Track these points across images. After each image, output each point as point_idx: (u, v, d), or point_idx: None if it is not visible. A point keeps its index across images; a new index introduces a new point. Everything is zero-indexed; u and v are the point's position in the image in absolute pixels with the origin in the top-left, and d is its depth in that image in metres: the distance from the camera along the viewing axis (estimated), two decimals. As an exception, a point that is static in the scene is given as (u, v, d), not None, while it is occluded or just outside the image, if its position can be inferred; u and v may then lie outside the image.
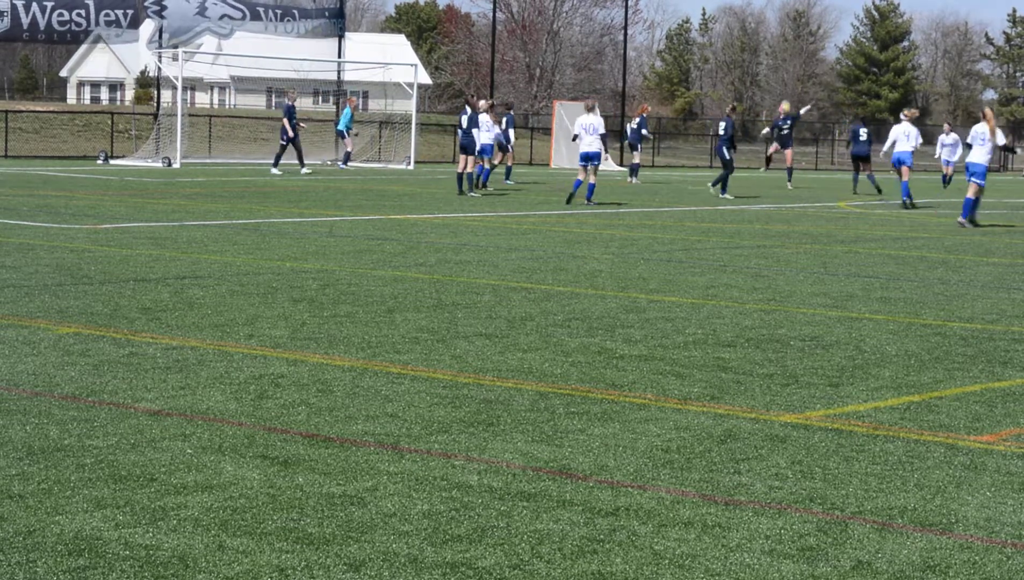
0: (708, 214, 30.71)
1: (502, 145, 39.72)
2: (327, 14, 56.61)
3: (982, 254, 22.61)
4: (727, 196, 37.58)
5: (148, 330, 12.05)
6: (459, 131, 35.75)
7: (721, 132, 38.66)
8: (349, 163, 50.32)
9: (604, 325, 13.20)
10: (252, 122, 68.61)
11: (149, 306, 13.47)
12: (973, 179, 28.12)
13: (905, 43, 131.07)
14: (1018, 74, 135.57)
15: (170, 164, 46.99)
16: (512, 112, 44.70)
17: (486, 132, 36.62)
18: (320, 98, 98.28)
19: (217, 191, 33.63)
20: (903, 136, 35.36)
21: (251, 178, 40.73)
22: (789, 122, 43.93)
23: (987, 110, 29.38)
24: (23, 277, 15.34)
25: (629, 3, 76.01)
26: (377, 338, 11.98)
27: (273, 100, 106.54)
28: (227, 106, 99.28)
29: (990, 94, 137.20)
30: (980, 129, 28.47)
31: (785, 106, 45.09)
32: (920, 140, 36.06)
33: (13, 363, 10.37)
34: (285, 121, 43.24)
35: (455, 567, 6.14)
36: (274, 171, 43.02)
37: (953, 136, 46.77)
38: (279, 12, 55.08)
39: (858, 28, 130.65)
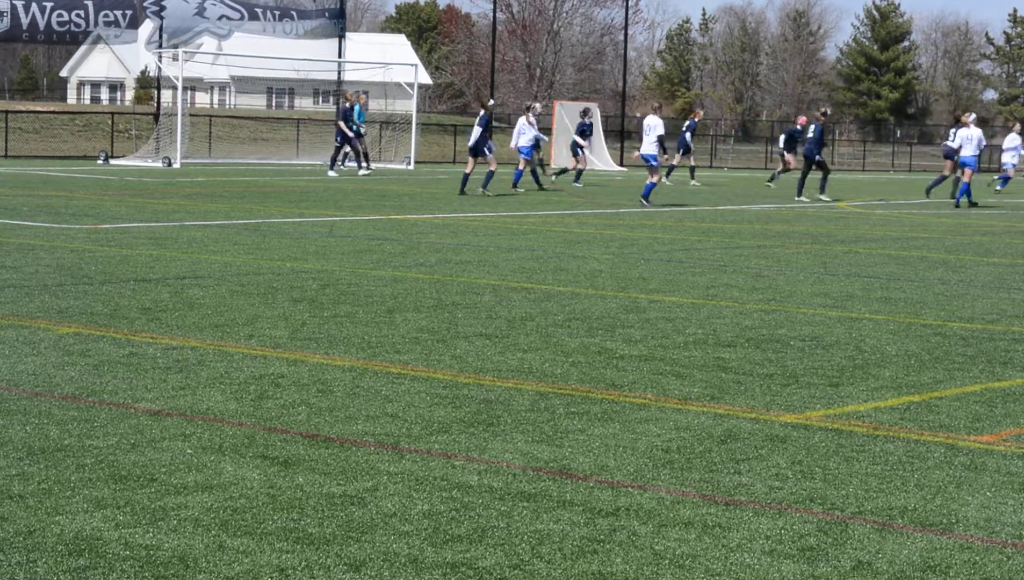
0: (708, 214, 30.71)
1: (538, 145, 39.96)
2: (327, 14, 56.62)
3: (982, 254, 22.61)
4: (824, 197, 37.91)
5: (148, 330, 12.05)
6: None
7: (810, 135, 38.67)
8: (365, 164, 48.00)
9: (604, 325, 13.20)
10: (252, 122, 68.64)
11: (149, 306, 13.47)
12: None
13: (905, 43, 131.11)
14: (1018, 74, 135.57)
15: (170, 164, 46.98)
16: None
17: (523, 134, 37.68)
18: (320, 98, 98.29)
19: (217, 191, 33.63)
20: (967, 140, 36.47)
21: (252, 178, 40.73)
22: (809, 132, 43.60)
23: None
24: (23, 277, 15.34)
25: (629, 3, 75.97)
26: (377, 338, 11.98)
27: (274, 100, 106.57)
28: (227, 106, 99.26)
29: (990, 94, 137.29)
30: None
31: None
32: (984, 142, 37.19)
33: (13, 363, 10.37)
34: (341, 123, 43.23)
35: (455, 567, 6.14)
36: (331, 173, 43.05)
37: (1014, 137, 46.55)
38: (278, 13, 55.10)
39: (858, 28, 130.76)
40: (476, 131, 35.07)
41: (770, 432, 8.95)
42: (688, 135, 46.95)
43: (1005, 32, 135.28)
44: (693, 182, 45.85)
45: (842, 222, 30.28)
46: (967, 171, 36.48)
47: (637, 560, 6.33)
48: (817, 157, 37.95)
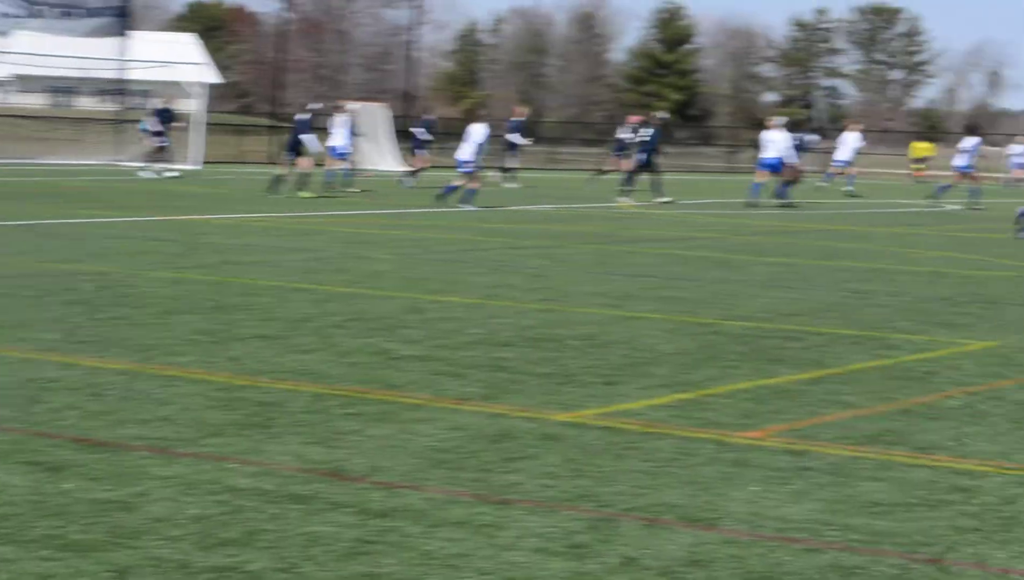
0: (493, 215, 30.85)
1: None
2: (111, 12, 55.68)
3: (759, 254, 23.06)
4: (665, 198, 38.28)
5: (-85, 334, 11.75)
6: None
7: (648, 139, 38.71)
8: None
9: (384, 326, 13.20)
10: (33, 121, 67.22)
11: (-82, 310, 13.13)
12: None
13: (691, 45, 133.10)
14: (796, 76, 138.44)
15: (-56, 164, 45.81)
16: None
17: (336, 134, 37.89)
18: (104, 97, 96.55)
19: (-5, 191, 32.87)
20: (771, 143, 38.87)
21: (31, 178, 39.86)
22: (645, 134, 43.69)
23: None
24: None
25: (418, 3, 75.96)
26: (153, 340, 11.83)
27: (56, 99, 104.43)
28: (8, 104, 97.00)
29: (770, 96, 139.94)
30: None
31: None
32: (793, 144, 40.11)
33: None
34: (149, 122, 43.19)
35: (224, 572, 6.10)
36: (147, 174, 42.67)
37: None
38: (60, 10, 54.04)
39: (645, 30, 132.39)
40: (308, 134, 34.94)
41: (544, 431, 9.03)
42: (515, 136, 46.83)
43: (787, 36, 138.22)
44: (508, 184, 45.83)
45: (624, 222, 30.64)
46: (761, 173, 37.98)
47: (407, 561, 6.35)
48: (645, 160, 38.27)
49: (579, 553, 6.54)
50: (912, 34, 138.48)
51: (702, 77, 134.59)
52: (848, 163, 49.35)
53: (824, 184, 50.43)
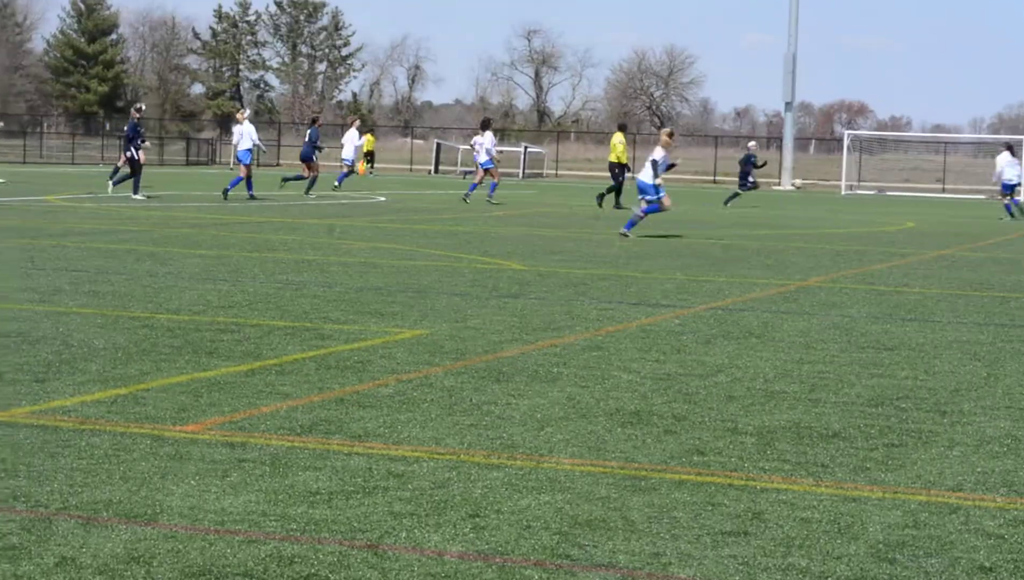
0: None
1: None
2: None
3: (190, 246, 22.93)
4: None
5: None
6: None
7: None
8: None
9: None
10: None
11: None
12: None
13: (113, 36, 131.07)
14: (224, 69, 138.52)
15: None
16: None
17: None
18: None
19: None
20: (243, 136, 40.62)
21: None
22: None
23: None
24: None
25: None
26: None
27: None
28: None
29: (198, 88, 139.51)
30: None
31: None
32: (253, 137, 40.95)
33: None
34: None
35: None
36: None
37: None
38: None
39: (65, 20, 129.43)
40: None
41: (-28, 432, 8.70)
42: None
43: (211, 27, 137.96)
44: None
45: (51, 216, 29.88)
46: (243, 166, 40.03)
47: None
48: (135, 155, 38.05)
49: (13, 555, 6.33)
50: (336, 28, 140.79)
51: (127, 68, 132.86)
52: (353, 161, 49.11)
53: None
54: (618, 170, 43.17)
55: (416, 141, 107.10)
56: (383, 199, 40.96)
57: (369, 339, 13.29)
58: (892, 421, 10.15)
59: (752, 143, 51.71)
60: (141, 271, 18.62)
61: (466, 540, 6.84)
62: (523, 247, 25.57)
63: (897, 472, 8.57)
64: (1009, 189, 47.71)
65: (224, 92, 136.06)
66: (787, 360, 12.86)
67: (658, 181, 29.18)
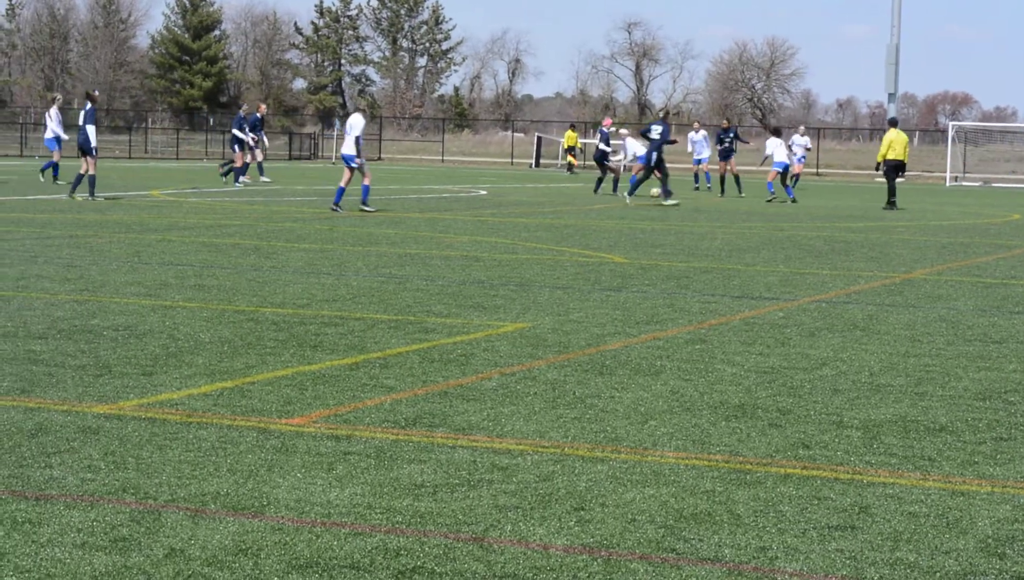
0: (19, 205, 29.91)
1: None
2: None
3: (293, 240, 23.08)
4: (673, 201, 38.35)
5: None
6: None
7: (656, 136, 37.95)
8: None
9: (-94, 320, 12.62)
10: None
11: None
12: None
13: (217, 32, 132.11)
14: (326, 64, 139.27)
15: None
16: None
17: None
18: None
19: None
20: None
21: None
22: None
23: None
24: None
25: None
26: None
27: None
28: None
29: (300, 83, 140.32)
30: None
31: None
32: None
33: None
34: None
35: None
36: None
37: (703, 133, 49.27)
38: None
39: (170, 17, 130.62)
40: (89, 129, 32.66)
41: (83, 424, 8.81)
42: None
43: (313, 23, 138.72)
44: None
45: (156, 210, 30.18)
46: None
47: (-58, 563, 6.09)
48: (654, 159, 38.80)
49: (123, 546, 6.40)
50: (436, 22, 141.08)
51: (230, 64, 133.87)
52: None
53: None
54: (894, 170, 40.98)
55: (517, 135, 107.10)
56: (484, 193, 41.03)
57: (472, 332, 13.31)
58: (1000, 415, 10.04)
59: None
60: (246, 265, 18.77)
61: (571, 533, 6.84)
62: (624, 240, 25.54)
63: (1006, 466, 8.47)
64: None
65: (326, 87, 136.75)
66: (893, 353, 12.75)
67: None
